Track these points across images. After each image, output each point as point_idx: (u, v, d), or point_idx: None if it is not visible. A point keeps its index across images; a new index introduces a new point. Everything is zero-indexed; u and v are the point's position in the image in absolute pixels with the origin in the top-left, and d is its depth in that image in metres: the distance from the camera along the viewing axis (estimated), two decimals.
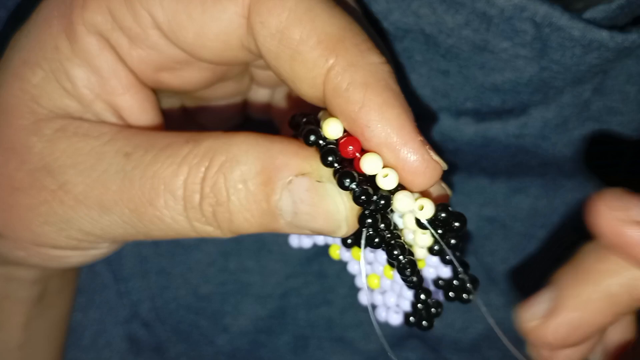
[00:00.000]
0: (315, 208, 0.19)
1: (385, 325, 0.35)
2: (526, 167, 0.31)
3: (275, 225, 0.20)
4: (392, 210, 0.20)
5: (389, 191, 0.19)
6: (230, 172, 0.19)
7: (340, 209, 0.19)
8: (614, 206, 0.20)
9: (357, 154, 0.18)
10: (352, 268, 0.23)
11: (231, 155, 0.19)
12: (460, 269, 0.21)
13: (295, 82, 0.19)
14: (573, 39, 0.24)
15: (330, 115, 0.19)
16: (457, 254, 0.20)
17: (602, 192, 0.20)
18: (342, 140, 0.19)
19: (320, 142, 0.19)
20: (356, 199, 0.18)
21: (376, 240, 0.19)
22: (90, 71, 0.20)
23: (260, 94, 0.27)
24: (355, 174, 0.18)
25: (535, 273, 0.35)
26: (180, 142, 0.19)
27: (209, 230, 0.20)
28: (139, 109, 0.21)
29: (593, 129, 0.29)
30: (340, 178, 0.18)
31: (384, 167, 0.18)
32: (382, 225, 0.20)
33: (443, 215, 0.19)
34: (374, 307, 0.23)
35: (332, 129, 0.19)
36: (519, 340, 0.36)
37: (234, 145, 0.19)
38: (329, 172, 0.19)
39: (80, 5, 0.20)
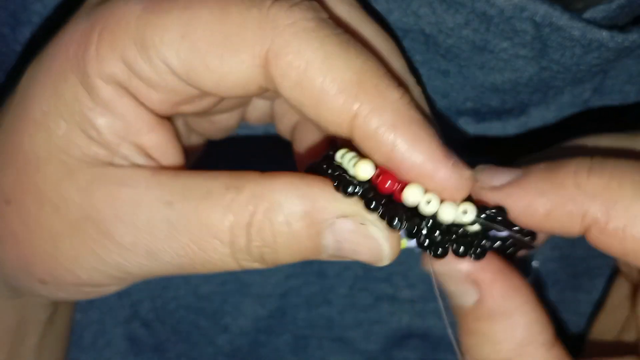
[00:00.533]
0: (360, 247, 0.20)
1: (386, 326, 0.35)
2: None
3: (318, 257, 0.21)
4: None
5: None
6: (275, 216, 0.20)
7: (384, 246, 0.20)
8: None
9: (396, 186, 0.20)
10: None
11: (274, 200, 0.20)
12: (515, 234, 0.21)
13: (321, 124, 0.20)
14: (573, 39, 0.24)
15: (351, 149, 0.20)
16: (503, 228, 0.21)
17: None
18: (380, 179, 0.20)
19: (357, 189, 0.19)
20: (410, 235, 0.20)
21: (440, 251, 0.21)
22: (113, 118, 0.21)
23: (259, 104, 0.27)
24: (401, 210, 0.19)
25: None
26: (220, 189, 0.20)
27: (255, 265, 0.21)
28: (164, 144, 0.22)
29: (593, 129, 0.29)
30: (389, 221, 0.20)
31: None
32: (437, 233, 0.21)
33: (486, 212, 0.20)
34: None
35: (364, 171, 0.20)
36: None
37: (276, 191, 0.20)
38: (366, 210, 0.20)
39: (93, 57, 0.20)
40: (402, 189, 0.20)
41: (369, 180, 0.20)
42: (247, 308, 0.35)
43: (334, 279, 0.35)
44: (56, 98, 0.21)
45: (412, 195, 0.19)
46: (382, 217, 0.20)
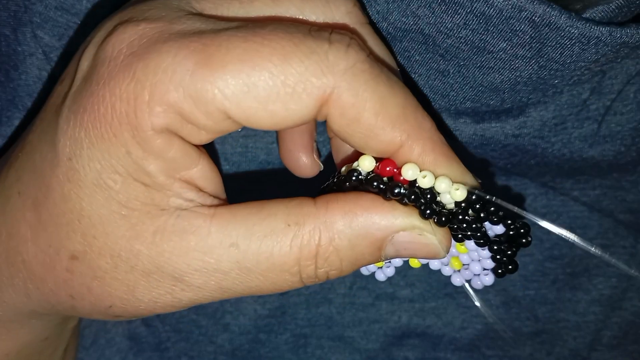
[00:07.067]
0: (418, 251, 0.23)
1: (385, 325, 0.35)
2: (525, 166, 0.31)
3: (377, 262, 0.23)
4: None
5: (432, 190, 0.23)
6: (340, 244, 0.22)
7: (440, 245, 0.23)
8: None
9: (395, 170, 0.23)
10: (432, 265, 0.27)
11: (337, 230, 0.22)
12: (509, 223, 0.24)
13: (365, 150, 0.22)
14: (572, 38, 0.24)
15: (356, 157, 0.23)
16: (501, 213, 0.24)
17: None
18: (381, 164, 0.23)
19: (402, 190, 0.22)
20: (442, 223, 0.23)
21: (459, 236, 0.24)
22: (164, 161, 0.21)
23: None
24: (435, 207, 0.22)
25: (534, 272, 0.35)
26: (281, 226, 0.22)
27: (318, 282, 0.23)
28: (207, 172, 0.23)
29: (592, 129, 0.29)
30: (439, 221, 0.22)
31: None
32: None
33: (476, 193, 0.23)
34: (467, 281, 0.26)
35: (368, 163, 0.23)
36: (517, 337, 0.36)
37: (336, 221, 0.22)
38: (421, 220, 0.22)
39: (146, 113, 0.20)
40: (399, 171, 0.22)
41: (372, 172, 0.23)
42: (247, 307, 0.35)
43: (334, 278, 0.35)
44: (108, 155, 0.21)
45: (411, 170, 0.22)
46: (429, 215, 0.22)
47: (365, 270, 0.27)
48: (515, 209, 0.23)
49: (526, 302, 0.35)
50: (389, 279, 0.35)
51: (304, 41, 0.20)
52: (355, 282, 0.35)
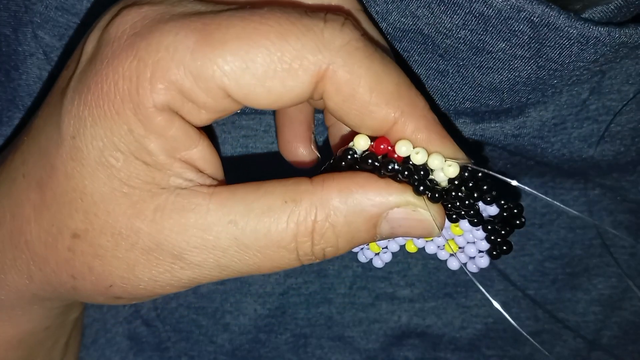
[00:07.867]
0: (413, 228, 0.23)
1: (385, 325, 0.35)
2: (525, 167, 0.31)
3: (371, 241, 0.24)
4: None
5: (426, 168, 0.23)
6: (336, 220, 0.22)
7: (434, 222, 0.23)
8: None
9: (389, 147, 0.23)
10: (428, 249, 0.27)
11: (333, 206, 0.22)
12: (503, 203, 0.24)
13: (360, 129, 0.23)
14: (571, 38, 0.24)
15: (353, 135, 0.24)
16: (494, 193, 0.24)
17: None
18: (375, 142, 0.23)
19: (396, 167, 0.22)
20: (435, 199, 0.23)
21: (454, 217, 0.24)
22: (165, 140, 0.22)
23: None
24: (428, 184, 0.23)
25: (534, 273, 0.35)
26: (279, 202, 0.22)
27: (316, 260, 0.23)
28: (207, 153, 0.23)
29: (591, 129, 0.29)
30: (433, 197, 0.23)
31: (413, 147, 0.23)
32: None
33: (469, 171, 0.23)
34: (464, 264, 0.26)
35: (363, 142, 0.23)
36: (517, 337, 0.36)
37: (332, 198, 0.22)
38: (415, 197, 0.23)
39: (148, 90, 0.21)
40: (393, 148, 0.23)
41: (368, 150, 0.23)
42: (247, 307, 0.35)
43: (334, 278, 0.35)
44: (110, 133, 0.21)
45: (404, 146, 0.23)
46: (423, 191, 0.22)
47: (362, 257, 0.27)
48: (507, 180, 0.23)
49: (526, 302, 0.35)
50: (389, 278, 0.35)
51: (301, 20, 0.21)
52: (355, 282, 0.35)
